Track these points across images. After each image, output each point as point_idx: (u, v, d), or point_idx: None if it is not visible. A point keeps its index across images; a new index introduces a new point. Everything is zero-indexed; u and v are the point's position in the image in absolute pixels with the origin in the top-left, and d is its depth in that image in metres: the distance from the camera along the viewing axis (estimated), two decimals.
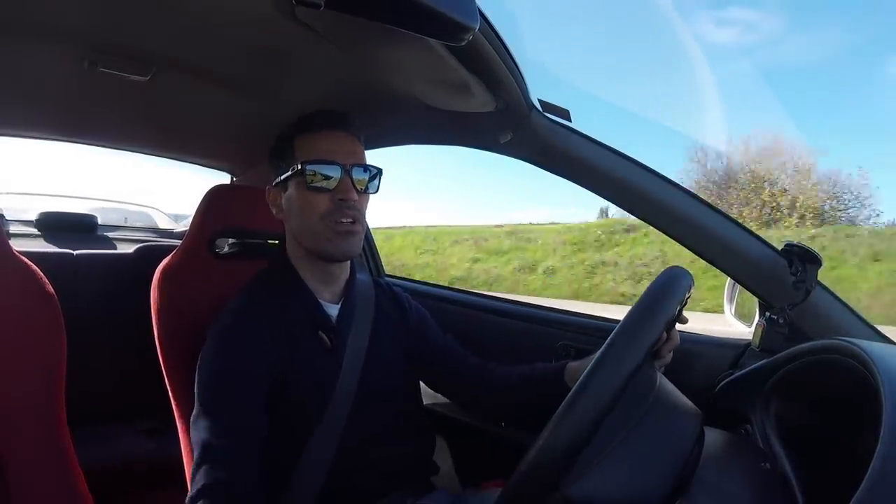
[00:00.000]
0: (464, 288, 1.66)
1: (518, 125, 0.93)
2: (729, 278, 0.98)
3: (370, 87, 0.94)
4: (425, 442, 0.96)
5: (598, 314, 1.21)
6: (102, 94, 1.03)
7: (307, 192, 0.82)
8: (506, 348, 1.18)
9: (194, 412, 0.76)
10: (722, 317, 1.05)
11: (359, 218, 0.84)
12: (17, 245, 0.79)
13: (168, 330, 0.94)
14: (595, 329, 1.13)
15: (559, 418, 0.52)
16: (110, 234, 1.91)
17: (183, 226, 2.34)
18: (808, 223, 8.55)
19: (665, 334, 0.76)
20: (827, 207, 9.22)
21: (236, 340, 0.80)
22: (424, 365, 0.99)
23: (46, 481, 0.72)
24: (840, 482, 0.49)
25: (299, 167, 0.82)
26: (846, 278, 7.24)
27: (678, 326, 0.79)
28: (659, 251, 8.76)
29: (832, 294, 0.88)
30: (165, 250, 1.04)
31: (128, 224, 2.15)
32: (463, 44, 0.59)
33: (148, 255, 1.57)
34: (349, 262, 0.92)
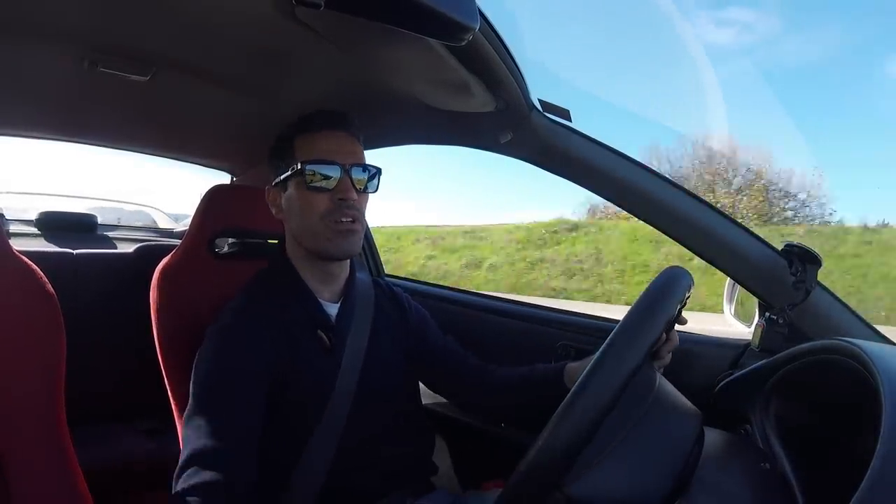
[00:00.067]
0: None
1: (518, 125, 0.93)
2: (729, 278, 0.98)
3: (370, 87, 0.94)
4: (425, 442, 0.96)
5: (596, 314, 1.21)
6: (102, 93, 1.03)
7: (307, 192, 0.82)
8: (506, 348, 1.18)
9: (188, 410, 0.75)
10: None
11: (358, 217, 0.84)
12: (16, 244, 0.78)
13: (168, 330, 0.94)
14: (595, 329, 1.13)
15: (559, 418, 0.52)
16: (110, 234, 1.91)
17: (182, 226, 2.34)
18: (751, 223, 8.86)
19: (664, 335, 0.76)
20: (774, 208, 9.81)
21: (236, 340, 0.80)
22: (424, 365, 0.99)
23: (46, 481, 0.72)
24: (840, 482, 0.49)
25: (299, 167, 0.82)
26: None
27: (678, 327, 0.79)
28: (595, 249, 9.35)
29: (832, 294, 0.88)
30: (165, 250, 1.04)
31: (120, 223, 2.13)
32: (463, 44, 0.59)
33: (148, 255, 1.57)
34: (349, 261, 0.92)
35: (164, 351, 0.94)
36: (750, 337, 0.93)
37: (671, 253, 8.50)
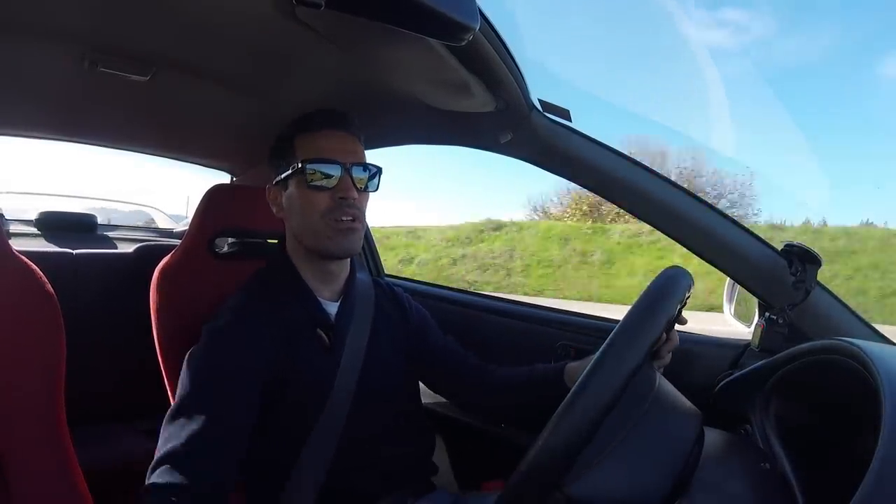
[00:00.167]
0: None
1: (518, 125, 0.93)
2: (729, 278, 0.98)
3: (370, 87, 0.94)
4: (425, 442, 0.96)
5: (596, 314, 1.21)
6: (103, 93, 1.03)
7: (307, 191, 0.83)
8: (506, 348, 1.18)
9: (173, 405, 0.74)
10: None
11: (359, 216, 0.84)
12: (16, 244, 0.78)
13: (167, 330, 0.94)
14: (595, 329, 1.13)
15: (559, 418, 0.52)
16: (110, 234, 1.91)
17: (182, 226, 2.34)
18: None
19: (665, 335, 0.76)
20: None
21: (233, 338, 0.80)
22: (424, 365, 0.99)
23: (46, 481, 0.71)
24: (840, 482, 0.49)
25: (300, 166, 0.82)
26: (656, 266, 8.22)
27: (678, 327, 0.79)
28: (510, 246, 10.22)
29: (832, 294, 0.88)
30: (165, 250, 1.04)
31: (110, 223, 2.11)
32: (463, 44, 0.59)
33: (148, 255, 1.57)
34: (349, 260, 0.92)
35: (164, 351, 0.94)
36: (750, 337, 0.93)
37: (576, 249, 9.69)
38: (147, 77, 0.92)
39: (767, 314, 0.89)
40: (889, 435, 0.44)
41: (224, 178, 1.67)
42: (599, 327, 1.13)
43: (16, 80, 0.97)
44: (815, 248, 0.85)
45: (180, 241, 1.02)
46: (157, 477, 0.67)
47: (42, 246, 1.64)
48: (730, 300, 1.02)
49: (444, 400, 1.11)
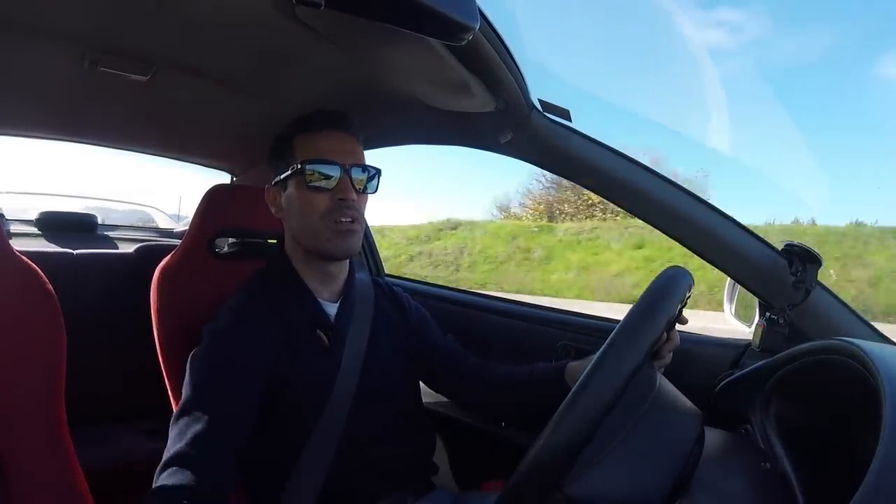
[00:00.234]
0: None
1: (518, 125, 0.93)
2: (729, 278, 0.98)
3: (370, 87, 0.94)
4: (425, 442, 0.96)
5: (596, 314, 1.21)
6: (103, 93, 1.03)
7: (307, 192, 0.83)
8: (506, 348, 1.18)
9: (178, 408, 0.74)
10: None
11: (358, 217, 0.84)
12: (17, 245, 0.78)
13: (168, 330, 0.94)
14: (595, 329, 1.12)
15: (559, 418, 0.52)
16: (111, 234, 1.91)
17: (182, 226, 2.34)
18: (616, 217, 10.17)
19: (665, 335, 0.76)
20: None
21: (234, 339, 0.80)
22: (424, 365, 0.99)
23: (46, 481, 0.71)
24: (840, 482, 0.49)
25: (299, 166, 0.82)
26: (596, 263, 9.20)
27: (678, 327, 0.79)
28: (462, 244, 10.83)
29: (832, 294, 0.88)
30: (165, 250, 1.04)
31: (104, 223, 2.10)
32: (463, 44, 0.59)
33: (148, 255, 1.57)
34: (348, 261, 0.92)
35: (165, 351, 0.94)
36: (750, 337, 0.93)
37: (519, 246, 10.18)
38: (147, 77, 0.92)
39: (768, 314, 0.89)
40: (889, 435, 0.44)
41: (224, 178, 1.67)
42: (600, 327, 1.13)
43: (16, 80, 0.97)
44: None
45: (180, 241, 1.02)
46: (163, 479, 0.68)
47: (42, 246, 1.64)
48: (730, 300, 1.02)
49: (444, 400, 1.11)
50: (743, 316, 1.00)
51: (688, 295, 0.65)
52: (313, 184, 0.82)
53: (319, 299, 0.88)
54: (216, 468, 0.70)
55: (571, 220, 11.02)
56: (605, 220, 10.47)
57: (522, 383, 0.93)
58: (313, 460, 0.80)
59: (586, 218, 10.86)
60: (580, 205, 11.25)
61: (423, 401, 1.02)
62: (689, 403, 0.65)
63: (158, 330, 0.94)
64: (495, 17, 0.71)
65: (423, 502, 0.88)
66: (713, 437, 0.66)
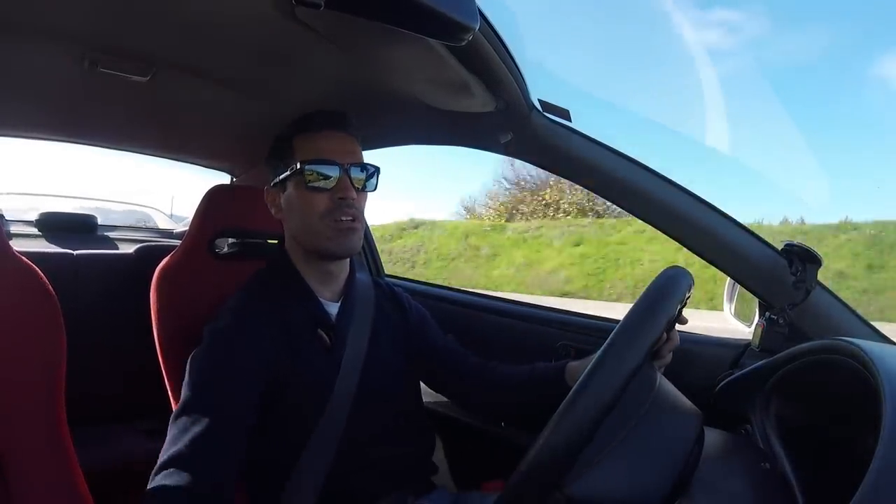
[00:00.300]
0: None
1: (518, 125, 0.93)
2: (729, 278, 0.98)
3: (370, 87, 0.94)
4: (425, 442, 0.96)
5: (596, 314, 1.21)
6: (103, 94, 1.03)
7: (306, 192, 0.83)
8: (506, 348, 1.18)
9: (177, 408, 0.74)
10: None
11: (358, 216, 0.84)
12: (17, 245, 0.79)
13: (168, 330, 0.94)
14: (595, 329, 1.12)
15: (559, 417, 0.52)
16: (111, 235, 1.91)
17: (183, 226, 2.34)
18: (568, 217, 11.02)
19: (665, 334, 0.76)
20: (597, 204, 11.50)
21: (234, 339, 0.80)
22: (425, 364, 0.99)
23: (46, 481, 0.71)
24: (840, 482, 0.49)
25: (298, 167, 0.82)
26: (537, 260, 9.76)
27: (678, 327, 0.78)
28: (421, 242, 11.31)
29: (832, 294, 0.88)
30: (166, 250, 1.04)
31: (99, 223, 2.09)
32: (463, 44, 0.59)
33: (148, 256, 1.57)
34: (348, 260, 0.92)
35: (165, 351, 0.94)
36: (750, 337, 0.93)
37: (470, 244, 10.72)
38: (147, 77, 0.92)
39: (768, 314, 0.89)
40: (889, 435, 0.44)
41: (224, 178, 1.67)
42: (600, 327, 1.13)
43: (16, 80, 0.97)
44: None
45: (180, 241, 1.02)
46: (160, 480, 0.67)
47: (43, 246, 1.64)
48: (730, 300, 1.02)
49: (444, 400, 1.11)
50: (743, 316, 1.00)
51: (688, 295, 0.65)
52: (312, 184, 0.82)
53: (321, 299, 0.88)
54: (214, 469, 0.70)
55: (528, 219, 11.57)
56: (557, 218, 11.11)
57: (523, 383, 0.93)
58: (313, 460, 0.80)
59: (543, 217, 11.44)
60: (536, 205, 11.80)
61: (423, 401, 1.02)
62: (689, 403, 0.65)
63: (158, 330, 0.94)
64: (495, 17, 0.71)
65: (423, 502, 0.88)
66: (713, 437, 0.66)
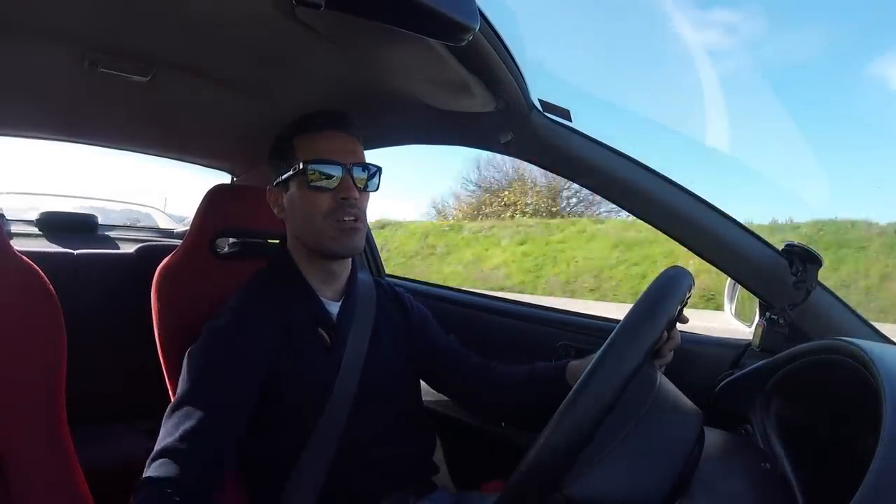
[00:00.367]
0: None
1: (518, 125, 0.93)
2: (729, 278, 0.98)
3: (370, 87, 0.94)
4: (426, 442, 0.96)
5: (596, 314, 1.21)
6: (103, 94, 1.03)
7: (309, 192, 0.83)
8: (506, 348, 1.18)
9: (172, 402, 0.75)
10: None
11: (360, 216, 0.85)
12: (18, 245, 0.79)
13: (168, 330, 0.94)
14: (595, 329, 1.12)
15: (560, 417, 0.52)
16: (111, 234, 1.91)
17: (183, 226, 2.34)
18: (524, 216, 11.58)
19: (666, 333, 0.76)
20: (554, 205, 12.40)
21: (233, 335, 0.80)
22: (426, 364, 0.99)
23: (47, 481, 0.72)
24: (840, 482, 0.49)
25: (301, 167, 0.82)
26: (485, 257, 10.27)
27: (678, 326, 0.78)
28: (384, 241, 11.43)
29: (833, 294, 0.88)
30: (166, 250, 1.04)
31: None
32: (463, 44, 0.59)
33: (149, 255, 1.57)
34: (350, 260, 0.92)
35: (165, 351, 0.94)
36: (750, 337, 0.93)
37: (428, 243, 11.14)
38: (147, 77, 0.92)
39: (768, 314, 0.89)
40: (889, 435, 0.44)
41: (224, 177, 1.67)
42: (600, 327, 1.13)
43: (16, 80, 0.97)
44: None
45: (181, 241, 1.02)
46: (152, 471, 0.68)
47: (43, 246, 1.64)
48: (730, 300, 1.02)
49: (444, 399, 1.11)
50: (743, 316, 1.00)
51: (688, 295, 0.65)
52: (315, 184, 0.82)
53: (322, 298, 0.88)
54: (204, 462, 0.71)
55: (485, 219, 12.16)
56: (513, 217, 11.71)
57: (524, 383, 0.93)
58: (314, 460, 0.80)
59: (507, 216, 12.01)
60: (497, 206, 12.41)
61: (423, 400, 1.02)
62: (689, 403, 0.65)
63: (159, 330, 0.95)
64: (495, 17, 0.71)
65: (424, 502, 0.88)
66: (713, 437, 0.66)
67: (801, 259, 0.85)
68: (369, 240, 1.50)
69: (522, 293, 8.44)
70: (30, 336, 0.74)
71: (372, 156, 0.91)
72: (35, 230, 1.76)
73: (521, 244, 10.10)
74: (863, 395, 0.51)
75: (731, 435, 0.72)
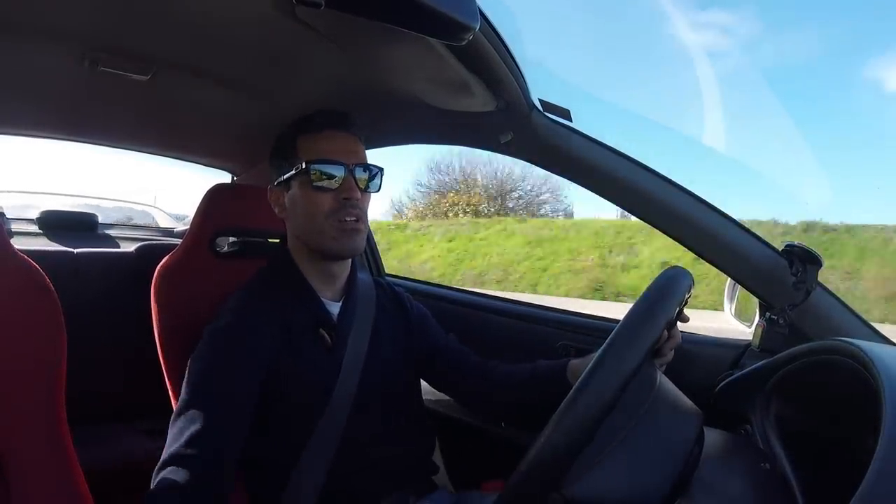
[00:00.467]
0: None
1: (519, 125, 0.93)
2: (729, 278, 0.98)
3: (371, 87, 0.94)
4: (426, 441, 0.96)
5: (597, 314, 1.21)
6: (103, 93, 1.03)
7: (311, 192, 0.83)
8: (506, 348, 1.17)
9: (177, 408, 0.75)
10: None
11: (362, 217, 0.85)
12: (18, 244, 0.78)
13: (168, 329, 0.94)
14: (595, 329, 1.12)
15: (560, 416, 0.52)
16: (111, 233, 1.91)
17: (183, 225, 2.34)
18: (465, 216, 12.28)
19: (666, 332, 0.76)
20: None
21: (234, 338, 0.80)
22: (426, 364, 0.99)
23: (46, 481, 0.71)
24: (840, 482, 0.49)
25: (303, 166, 0.82)
26: (417, 253, 10.93)
27: (679, 325, 0.78)
28: None
29: (832, 295, 0.88)
30: (166, 249, 1.04)
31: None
32: (463, 43, 0.59)
33: (149, 254, 1.57)
34: (350, 260, 0.92)
35: (165, 350, 0.94)
36: (750, 337, 0.93)
37: (392, 240, 11.45)
38: (147, 77, 0.92)
39: (768, 314, 0.89)
40: (889, 435, 0.44)
41: (224, 177, 1.67)
42: (600, 327, 1.13)
43: (17, 80, 0.97)
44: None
45: (181, 240, 1.02)
46: (161, 478, 0.68)
47: (43, 245, 1.64)
48: (730, 300, 1.02)
49: (444, 399, 1.11)
50: (743, 316, 1.00)
51: (688, 295, 0.65)
52: (317, 184, 0.82)
53: (322, 298, 0.88)
54: (214, 467, 0.71)
55: (436, 218, 12.82)
56: (457, 216, 12.41)
57: (525, 381, 0.93)
58: (314, 460, 0.80)
59: (452, 216, 12.70)
60: (443, 206, 13.13)
61: (423, 399, 1.02)
62: (689, 403, 0.65)
63: (159, 329, 0.95)
64: (495, 17, 0.71)
65: (424, 502, 0.88)
66: (713, 437, 0.66)
67: (801, 259, 0.85)
68: (369, 240, 1.50)
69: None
70: (29, 335, 0.74)
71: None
72: (35, 229, 1.77)
73: (450, 241, 10.93)
74: (862, 396, 0.51)
75: (730, 435, 0.72)
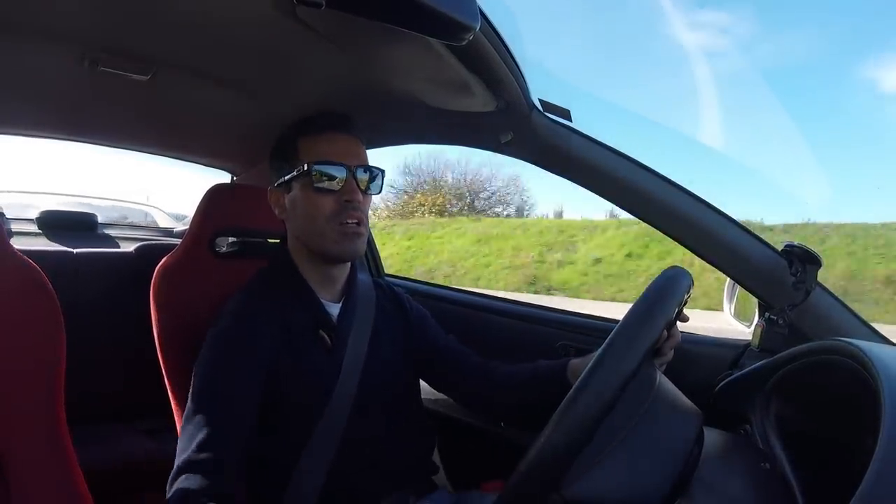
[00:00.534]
0: None
1: (519, 125, 0.93)
2: (729, 278, 0.98)
3: (371, 87, 0.94)
4: (426, 442, 0.96)
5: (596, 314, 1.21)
6: (103, 93, 1.03)
7: (312, 194, 0.83)
8: (506, 348, 1.17)
9: (185, 413, 0.76)
10: None
11: (363, 219, 0.85)
12: (18, 244, 0.79)
13: (168, 329, 0.94)
14: (595, 329, 1.12)
15: (560, 416, 0.52)
16: (111, 233, 1.91)
17: (183, 225, 2.34)
18: (431, 217, 12.54)
19: (666, 332, 0.76)
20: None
21: (236, 341, 0.80)
22: (426, 365, 0.99)
23: (46, 481, 0.71)
24: (840, 482, 0.49)
25: (305, 168, 0.82)
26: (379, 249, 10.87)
27: (679, 325, 0.78)
28: None
29: (832, 295, 0.88)
30: (166, 249, 1.04)
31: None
32: (463, 43, 0.59)
33: (148, 254, 1.57)
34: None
35: (164, 350, 0.94)
36: (750, 337, 0.93)
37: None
38: (147, 77, 0.92)
39: (767, 314, 0.89)
40: (889, 435, 0.44)
41: (224, 177, 1.67)
42: (599, 327, 1.13)
43: (17, 80, 0.97)
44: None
45: (181, 240, 1.02)
46: (178, 485, 0.70)
47: (43, 245, 1.64)
48: (730, 300, 1.02)
49: (444, 399, 1.11)
50: (742, 316, 1.00)
51: (687, 295, 0.66)
52: (319, 185, 0.82)
53: (322, 300, 0.88)
54: (228, 469, 0.72)
55: (404, 218, 13.11)
56: (424, 216, 12.67)
57: (525, 381, 0.93)
58: (314, 460, 0.80)
59: (419, 216, 12.95)
60: (410, 206, 13.49)
61: (423, 399, 1.02)
62: (689, 403, 0.65)
63: (158, 329, 0.94)
64: (495, 17, 0.71)
65: (424, 502, 0.88)
66: (713, 437, 0.66)
67: (801, 260, 0.85)
68: (370, 240, 1.50)
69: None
70: (29, 335, 0.74)
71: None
72: (35, 228, 1.76)
73: (410, 239, 11.24)
74: (862, 396, 0.51)
75: (730, 435, 0.72)
